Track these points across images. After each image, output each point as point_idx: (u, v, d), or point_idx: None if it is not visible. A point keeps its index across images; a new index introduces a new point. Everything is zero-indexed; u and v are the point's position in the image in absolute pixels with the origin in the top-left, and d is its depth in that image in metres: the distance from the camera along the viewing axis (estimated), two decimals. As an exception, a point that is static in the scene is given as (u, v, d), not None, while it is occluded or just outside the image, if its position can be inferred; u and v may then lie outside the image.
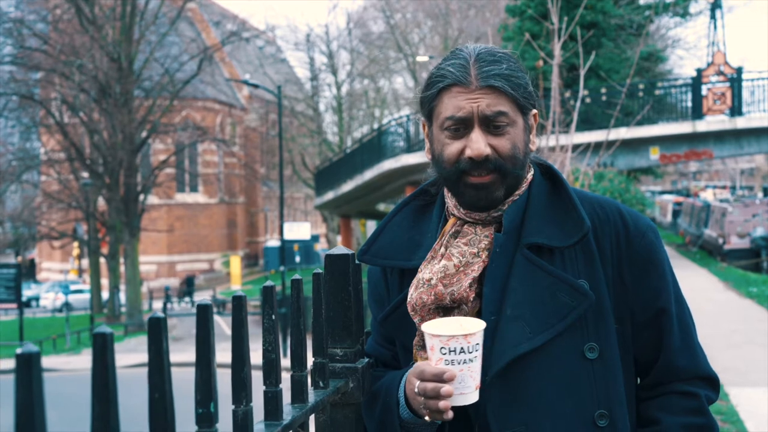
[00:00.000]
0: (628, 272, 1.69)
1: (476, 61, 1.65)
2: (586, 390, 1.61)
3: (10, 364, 22.68)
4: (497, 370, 1.59)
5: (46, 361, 23.52)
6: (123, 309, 35.94)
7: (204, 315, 1.20)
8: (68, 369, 22.02)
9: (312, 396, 1.61)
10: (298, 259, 36.70)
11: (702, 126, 25.12)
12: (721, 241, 29.23)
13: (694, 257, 27.96)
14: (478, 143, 1.62)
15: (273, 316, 1.46)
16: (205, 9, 57.24)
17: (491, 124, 1.63)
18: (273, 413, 1.44)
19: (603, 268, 1.67)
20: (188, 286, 45.64)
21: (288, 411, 1.49)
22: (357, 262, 1.81)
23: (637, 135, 23.64)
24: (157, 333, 1.07)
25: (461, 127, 1.64)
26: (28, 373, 0.82)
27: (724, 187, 68.46)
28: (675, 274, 1.77)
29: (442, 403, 1.50)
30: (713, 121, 25.38)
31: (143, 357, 20.64)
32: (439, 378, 1.50)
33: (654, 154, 25.10)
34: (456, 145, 1.65)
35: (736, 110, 25.29)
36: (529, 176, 1.74)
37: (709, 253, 30.07)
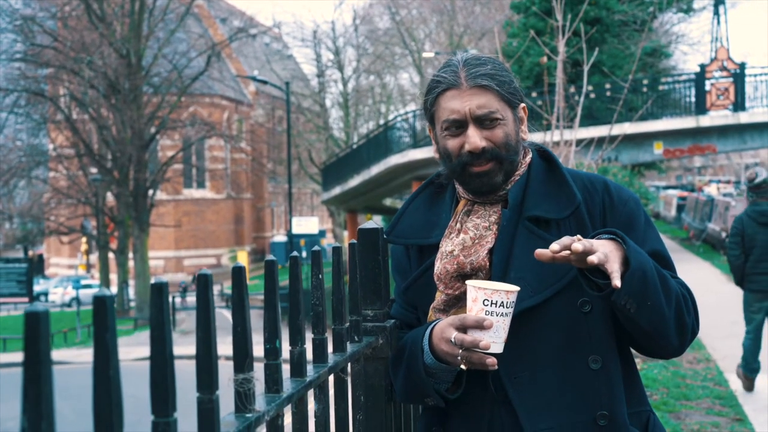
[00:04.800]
0: None
1: (464, 66, 1.95)
2: (581, 339, 1.88)
3: (15, 357, 22.96)
4: None
5: (57, 354, 23.69)
6: (132, 303, 36.24)
7: (270, 268, 1.49)
8: (79, 362, 22.27)
9: (349, 348, 1.90)
10: (304, 254, 36.85)
11: (705, 121, 25.30)
12: (724, 234, 29.29)
13: (698, 251, 28.01)
14: (474, 138, 1.91)
15: (320, 276, 1.74)
16: (212, 5, 57.43)
17: (483, 121, 1.93)
18: (320, 357, 1.72)
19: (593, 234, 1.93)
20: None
21: (331, 357, 1.78)
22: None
23: (640, 130, 23.86)
24: (239, 281, 1.35)
25: (458, 126, 1.94)
26: (160, 298, 1.09)
27: (728, 182, 68.30)
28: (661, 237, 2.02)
29: (490, 360, 1.75)
30: (716, 116, 25.55)
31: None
32: (480, 324, 1.75)
33: (658, 148, 25.30)
34: (456, 141, 1.95)
35: (739, 105, 25.46)
36: (528, 158, 2.04)
37: (712, 246, 30.08)
